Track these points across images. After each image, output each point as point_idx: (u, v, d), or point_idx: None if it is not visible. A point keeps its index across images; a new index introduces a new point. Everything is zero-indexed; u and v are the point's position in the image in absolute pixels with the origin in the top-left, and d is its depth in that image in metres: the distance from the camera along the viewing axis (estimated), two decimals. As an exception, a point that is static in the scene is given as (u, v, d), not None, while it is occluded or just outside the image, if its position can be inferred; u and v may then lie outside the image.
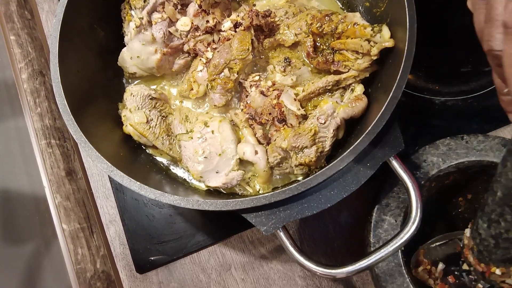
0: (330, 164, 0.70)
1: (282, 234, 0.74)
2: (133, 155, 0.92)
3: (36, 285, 0.95)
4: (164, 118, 0.92)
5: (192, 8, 0.94)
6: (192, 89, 0.93)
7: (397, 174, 0.75)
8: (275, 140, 0.85)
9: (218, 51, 0.88)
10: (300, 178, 0.87)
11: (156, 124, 0.90)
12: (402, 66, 0.71)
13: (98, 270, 1.01)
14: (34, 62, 1.16)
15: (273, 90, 0.88)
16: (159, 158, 0.94)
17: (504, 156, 0.63)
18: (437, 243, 0.89)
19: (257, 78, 0.91)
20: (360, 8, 0.94)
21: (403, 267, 0.80)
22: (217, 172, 0.86)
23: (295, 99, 0.86)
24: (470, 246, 0.78)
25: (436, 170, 0.86)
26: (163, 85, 0.99)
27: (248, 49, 0.85)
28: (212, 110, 0.93)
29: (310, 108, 0.88)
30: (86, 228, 1.05)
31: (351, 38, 0.82)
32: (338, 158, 0.70)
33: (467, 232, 0.79)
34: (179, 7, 0.94)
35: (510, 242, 0.67)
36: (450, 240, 0.88)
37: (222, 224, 1.01)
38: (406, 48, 0.72)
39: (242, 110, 0.91)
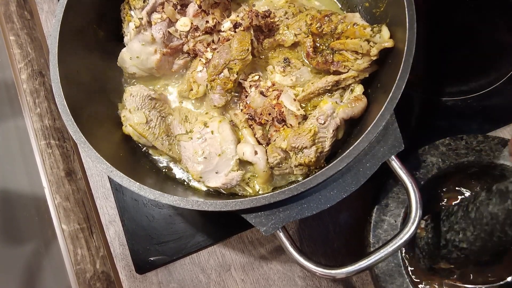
0: (330, 165, 0.70)
1: (281, 235, 0.74)
2: (132, 156, 0.92)
3: (36, 286, 0.95)
4: (163, 118, 0.92)
5: (191, 8, 0.94)
6: (191, 90, 0.93)
7: (396, 175, 0.75)
8: (274, 140, 0.85)
9: (217, 52, 0.88)
10: (300, 178, 0.87)
11: (155, 125, 0.90)
12: (401, 66, 0.71)
13: (98, 271, 1.01)
14: (33, 63, 1.16)
15: (273, 91, 0.88)
16: (158, 159, 0.94)
17: (488, 187, 0.72)
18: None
19: (256, 77, 0.91)
20: (359, 8, 0.94)
21: (402, 268, 0.80)
22: (216, 173, 0.86)
23: (294, 100, 0.86)
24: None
25: (436, 171, 0.86)
26: (162, 86, 0.99)
27: (248, 50, 0.85)
28: (212, 110, 0.93)
29: (309, 109, 0.88)
30: (86, 228, 1.05)
31: (351, 39, 0.82)
32: (338, 159, 0.70)
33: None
34: (178, 7, 0.94)
35: (457, 250, 0.78)
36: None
37: (222, 225, 1.01)
38: (405, 48, 0.72)
39: (241, 110, 0.91)
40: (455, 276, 0.87)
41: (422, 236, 0.86)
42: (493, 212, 0.69)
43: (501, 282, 0.85)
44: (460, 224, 0.78)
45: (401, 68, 0.71)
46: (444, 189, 0.91)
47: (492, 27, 1.05)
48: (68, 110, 0.77)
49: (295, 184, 0.71)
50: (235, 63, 0.85)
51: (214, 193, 0.90)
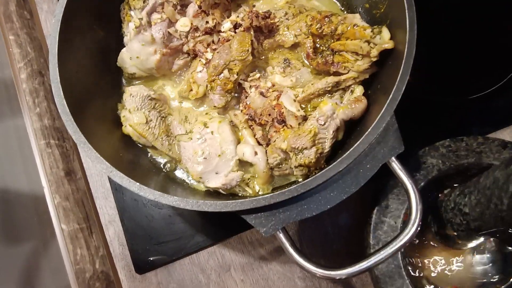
0: (330, 166, 0.70)
1: (281, 236, 0.74)
2: (132, 156, 0.91)
3: (35, 286, 0.95)
4: (163, 118, 0.92)
5: (191, 8, 0.94)
6: (191, 90, 0.93)
7: (396, 176, 0.74)
8: (274, 141, 0.85)
9: (217, 52, 0.87)
10: (299, 179, 0.87)
11: (155, 125, 0.90)
12: (401, 68, 0.71)
13: (97, 271, 1.01)
14: (33, 62, 1.16)
15: (273, 91, 0.88)
16: (158, 159, 0.94)
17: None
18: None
19: (257, 76, 0.90)
20: (360, 9, 0.94)
21: (402, 269, 0.80)
22: (216, 173, 0.86)
23: (294, 100, 0.86)
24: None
25: (436, 172, 0.86)
26: (162, 86, 0.99)
27: (248, 50, 0.85)
28: (212, 110, 0.93)
29: (309, 110, 0.88)
30: (85, 228, 1.05)
31: (351, 40, 0.82)
32: (338, 160, 0.70)
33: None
34: (178, 7, 0.94)
35: (461, 214, 0.79)
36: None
37: (222, 225, 1.01)
38: (406, 50, 0.72)
39: (241, 111, 0.91)
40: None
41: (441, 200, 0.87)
42: (496, 177, 0.69)
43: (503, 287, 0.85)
44: (470, 187, 0.78)
45: (401, 70, 0.71)
46: (444, 191, 0.91)
47: (494, 28, 1.05)
48: (68, 110, 0.77)
49: (295, 185, 0.71)
50: (235, 64, 0.86)
51: (214, 194, 0.89)
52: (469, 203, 0.76)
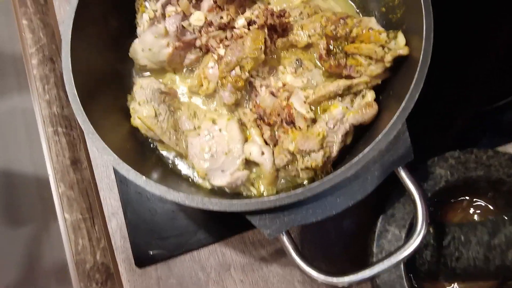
0: (338, 171, 0.69)
1: (285, 238, 0.73)
2: (139, 149, 0.91)
3: (35, 274, 0.95)
4: (172, 113, 0.91)
5: (206, 3, 0.93)
6: (202, 86, 0.92)
7: (404, 185, 0.73)
8: (282, 142, 0.84)
9: (230, 49, 0.87)
10: (305, 182, 0.86)
11: (164, 119, 0.89)
12: (416, 76, 0.70)
13: (98, 262, 1.01)
14: (45, 48, 1.16)
15: (283, 91, 0.87)
16: (164, 153, 0.94)
17: None
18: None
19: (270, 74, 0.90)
20: (375, 13, 0.93)
21: (404, 280, 0.79)
22: (222, 171, 0.85)
23: (304, 102, 0.85)
24: None
25: (444, 183, 0.85)
26: (173, 80, 0.98)
27: (261, 48, 0.84)
28: (221, 107, 0.92)
29: (319, 112, 0.87)
30: (88, 219, 1.05)
31: (365, 43, 0.81)
32: (346, 166, 0.69)
33: None
34: (193, 1, 0.93)
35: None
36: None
37: (224, 224, 1.00)
38: (421, 57, 0.70)
39: (251, 109, 0.90)
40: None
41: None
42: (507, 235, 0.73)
43: None
44: (468, 236, 0.81)
45: (415, 78, 0.70)
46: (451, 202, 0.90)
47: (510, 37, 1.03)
48: (78, 99, 0.77)
49: (301, 189, 0.70)
50: (247, 61, 0.85)
51: (218, 192, 0.89)
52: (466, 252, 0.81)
